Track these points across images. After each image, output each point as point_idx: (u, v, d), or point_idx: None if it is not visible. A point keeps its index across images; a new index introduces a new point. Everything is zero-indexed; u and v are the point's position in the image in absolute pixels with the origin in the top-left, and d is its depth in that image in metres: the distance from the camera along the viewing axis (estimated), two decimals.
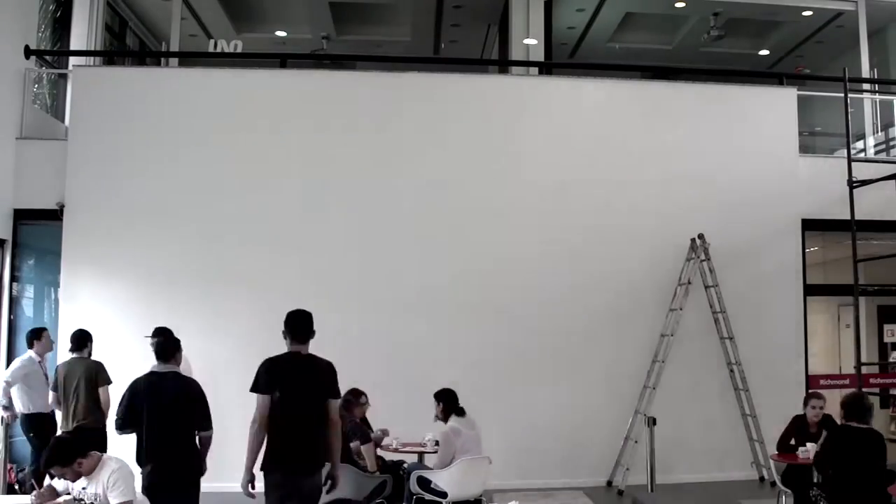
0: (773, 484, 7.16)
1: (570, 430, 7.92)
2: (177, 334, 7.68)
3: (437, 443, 6.29)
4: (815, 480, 5.71)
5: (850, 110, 8.14)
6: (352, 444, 5.85)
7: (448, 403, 6.11)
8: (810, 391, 6.89)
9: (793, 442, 6.13)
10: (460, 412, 6.13)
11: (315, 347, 7.46)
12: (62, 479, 4.26)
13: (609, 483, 7.84)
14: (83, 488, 4.18)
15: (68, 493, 4.26)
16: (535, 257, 8.15)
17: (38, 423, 6.89)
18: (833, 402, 6.38)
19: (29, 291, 8.54)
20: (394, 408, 7.13)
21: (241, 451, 7.22)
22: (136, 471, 4.39)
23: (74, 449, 4.16)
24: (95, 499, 4.13)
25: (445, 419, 6.09)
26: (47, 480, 4.50)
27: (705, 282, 8.09)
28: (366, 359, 7.53)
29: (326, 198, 8.11)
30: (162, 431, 4.60)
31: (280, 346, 7.75)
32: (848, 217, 7.77)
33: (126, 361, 7.74)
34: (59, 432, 6.48)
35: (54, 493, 4.32)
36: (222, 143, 8.12)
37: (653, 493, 7.12)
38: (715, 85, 9.13)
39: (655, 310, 8.12)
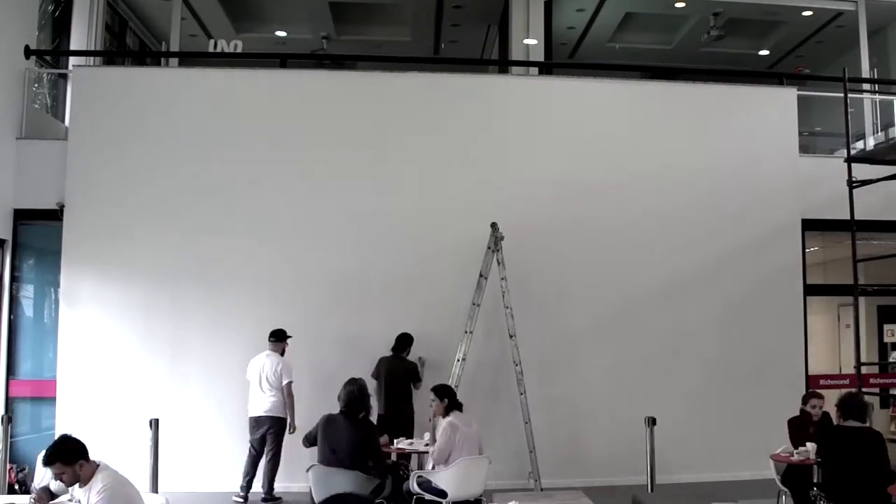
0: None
1: (570, 431, 7.92)
2: (177, 332, 7.79)
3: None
4: (815, 480, 5.70)
5: (850, 110, 8.13)
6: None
7: (451, 399, 6.22)
8: (810, 391, 6.90)
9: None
10: (460, 408, 6.23)
11: (317, 347, 7.52)
12: (57, 482, 4.17)
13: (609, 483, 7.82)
14: (72, 499, 4.11)
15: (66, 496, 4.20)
16: (533, 257, 8.15)
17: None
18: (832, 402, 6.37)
19: (29, 291, 8.54)
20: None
21: (241, 450, 7.27)
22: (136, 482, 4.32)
23: (79, 450, 4.06)
24: None
25: (445, 414, 6.13)
26: (39, 479, 4.43)
27: (705, 282, 8.09)
28: (368, 358, 7.57)
29: (327, 197, 8.11)
30: None
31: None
32: (848, 217, 7.76)
33: (125, 361, 7.79)
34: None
35: (50, 496, 4.26)
36: (222, 142, 8.12)
37: (653, 492, 7.10)
38: (715, 85, 9.13)
39: (655, 310, 8.12)
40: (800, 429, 6.22)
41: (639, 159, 8.34)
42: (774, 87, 9.05)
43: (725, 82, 9.34)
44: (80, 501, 4.10)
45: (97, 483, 4.00)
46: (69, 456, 4.02)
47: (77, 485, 4.06)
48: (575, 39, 12.27)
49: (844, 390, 7.32)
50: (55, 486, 4.25)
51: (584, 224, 8.28)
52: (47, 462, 4.07)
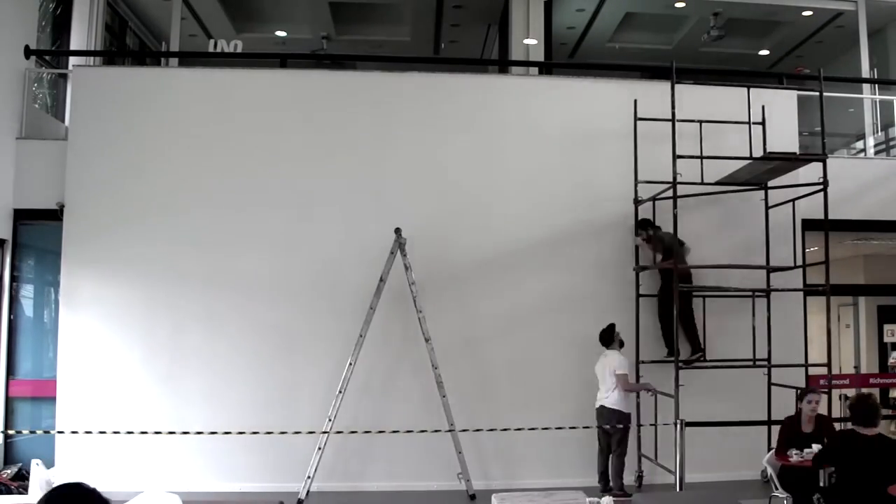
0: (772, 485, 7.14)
1: (571, 431, 7.91)
2: (176, 333, 7.78)
3: None
4: (821, 484, 5.62)
5: (849, 110, 8.12)
6: None
7: None
8: (808, 386, 6.81)
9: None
10: None
11: (320, 350, 7.52)
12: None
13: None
14: None
15: None
16: (533, 257, 8.15)
17: None
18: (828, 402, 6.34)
19: (29, 291, 8.54)
20: (401, 411, 7.25)
21: (240, 451, 7.26)
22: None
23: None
24: None
25: None
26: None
27: (704, 282, 8.08)
28: (368, 359, 7.57)
29: (326, 197, 8.11)
30: None
31: (275, 347, 7.70)
32: (848, 217, 7.75)
33: (125, 361, 7.79)
34: None
35: None
36: (222, 143, 8.12)
37: (652, 493, 7.10)
38: (715, 85, 9.11)
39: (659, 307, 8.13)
40: (791, 429, 6.15)
41: (638, 159, 8.33)
42: (774, 87, 9.04)
43: (725, 82, 9.32)
44: None
45: None
46: None
47: None
48: (575, 39, 12.27)
49: (845, 391, 7.34)
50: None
51: (582, 222, 8.26)
52: None
